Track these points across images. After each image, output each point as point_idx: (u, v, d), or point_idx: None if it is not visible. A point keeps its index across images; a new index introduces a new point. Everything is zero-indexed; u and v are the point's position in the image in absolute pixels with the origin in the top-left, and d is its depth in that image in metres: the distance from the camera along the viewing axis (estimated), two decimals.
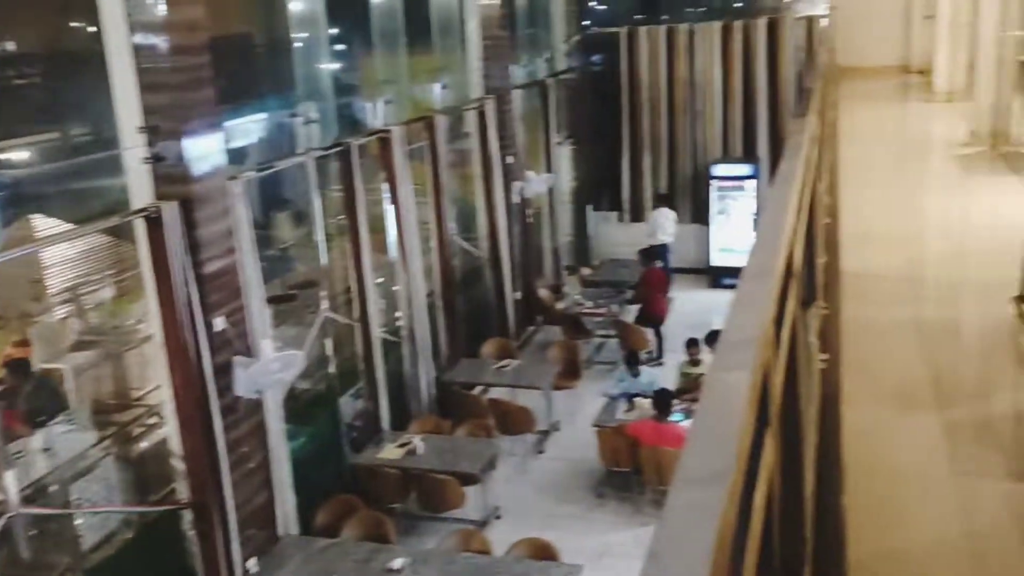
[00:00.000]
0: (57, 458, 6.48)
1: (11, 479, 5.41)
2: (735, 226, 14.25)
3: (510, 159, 12.15)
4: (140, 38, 5.94)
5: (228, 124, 8.15)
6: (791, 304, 1.85)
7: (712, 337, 9.14)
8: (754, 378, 0.95)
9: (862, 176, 7.63)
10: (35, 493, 6.16)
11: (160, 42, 5.93)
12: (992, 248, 5.54)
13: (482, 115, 11.29)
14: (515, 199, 12.29)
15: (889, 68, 14.81)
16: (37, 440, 6.48)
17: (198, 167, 6.27)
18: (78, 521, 6.34)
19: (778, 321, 1.54)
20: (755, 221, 14.03)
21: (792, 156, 2.47)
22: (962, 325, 4.60)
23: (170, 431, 6.60)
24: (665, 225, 14.14)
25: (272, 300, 8.55)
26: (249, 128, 9.62)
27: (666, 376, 9.86)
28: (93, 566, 6.31)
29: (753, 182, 14.16)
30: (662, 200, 14.64)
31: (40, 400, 6.91)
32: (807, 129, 3.04)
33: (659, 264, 12.82)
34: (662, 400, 8.50)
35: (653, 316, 11.93)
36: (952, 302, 5.00)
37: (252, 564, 6.81)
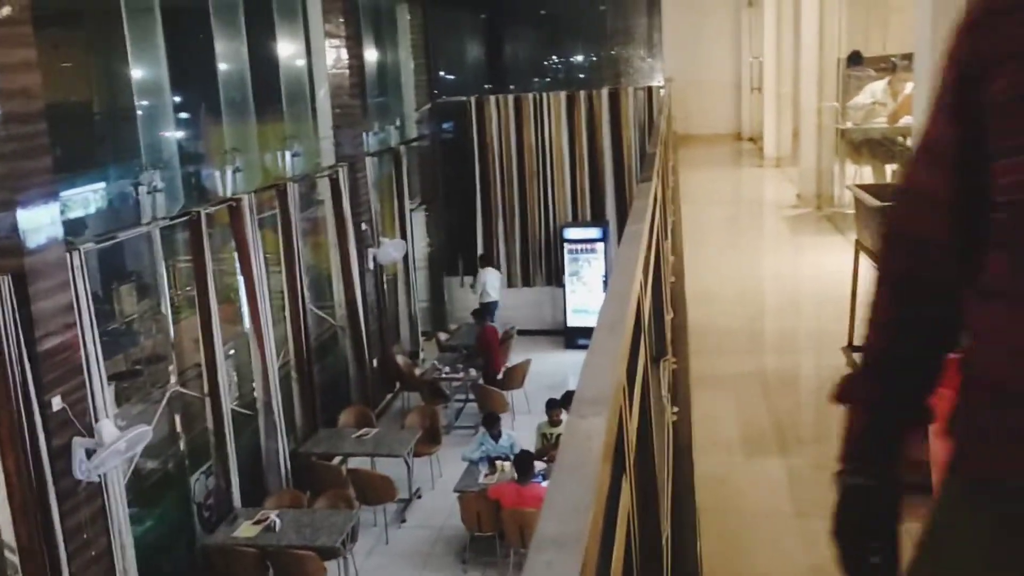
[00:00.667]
0: None
1: None
2: (588, 287, 14.64)
3: (364, 226, 12.13)
4: None
5: (67, 194, 7.82)
6: (642, 357, 1.93)
7: (568, 398, 9.30)
8: (609, 424, 1.00)
9: (703, 236, 8.04)
10: None
11: None
12: (821, 301, 5.93)
13: (335, 182, 11.25)
14: (370, 266, 12.25)
15: (724, 136, 15.72)
16: None
17: (33, 239, 5.98)
18: None
19: (630, 373, 1.61)
20: (606, 282, 14.49)
21: (637, 217, 2.60)
22: (800, 374, 4.88)
23: (1, 522, 6.14)
24: (492, 283, 14.47)
25: (115, 376, 8.16)
26: (89, 197, 9.25)
27: (526, 438, 9.93)
28: None
29: (602, 244, 14.63)
30: (485, 260, 14.97)
31: None
32: (650, 192, 3.20)
33: (489, 322, 13.02)
34: (523, 462, 8.55)
35: (494, 373, 12.10)
36: (790, 352, 5.30)
37: None
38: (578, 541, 0.78)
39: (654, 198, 3.50)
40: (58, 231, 6.30)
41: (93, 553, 6.55)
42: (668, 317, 4.12)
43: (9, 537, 6.06)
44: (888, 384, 1.32)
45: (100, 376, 6.67)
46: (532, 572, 0.76)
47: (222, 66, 9.68)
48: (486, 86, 16.69)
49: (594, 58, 17.38)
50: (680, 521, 2.63)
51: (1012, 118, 1.10)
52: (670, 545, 2.12)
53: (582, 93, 15.20)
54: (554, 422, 9.73)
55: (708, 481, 2.90)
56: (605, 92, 15.15)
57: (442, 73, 16.58)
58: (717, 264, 7.15)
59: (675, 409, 3.54)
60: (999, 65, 1.12)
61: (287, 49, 11.25)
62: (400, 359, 12.83)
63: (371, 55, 14.09)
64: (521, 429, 10.44)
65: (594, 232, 14.78)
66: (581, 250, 14.73)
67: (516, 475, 8.55)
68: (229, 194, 9.14)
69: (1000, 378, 1.10)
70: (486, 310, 13.52)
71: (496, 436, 9.61)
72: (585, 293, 14.65)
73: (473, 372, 12.04)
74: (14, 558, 6.07)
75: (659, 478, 2.01)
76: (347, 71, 11.87)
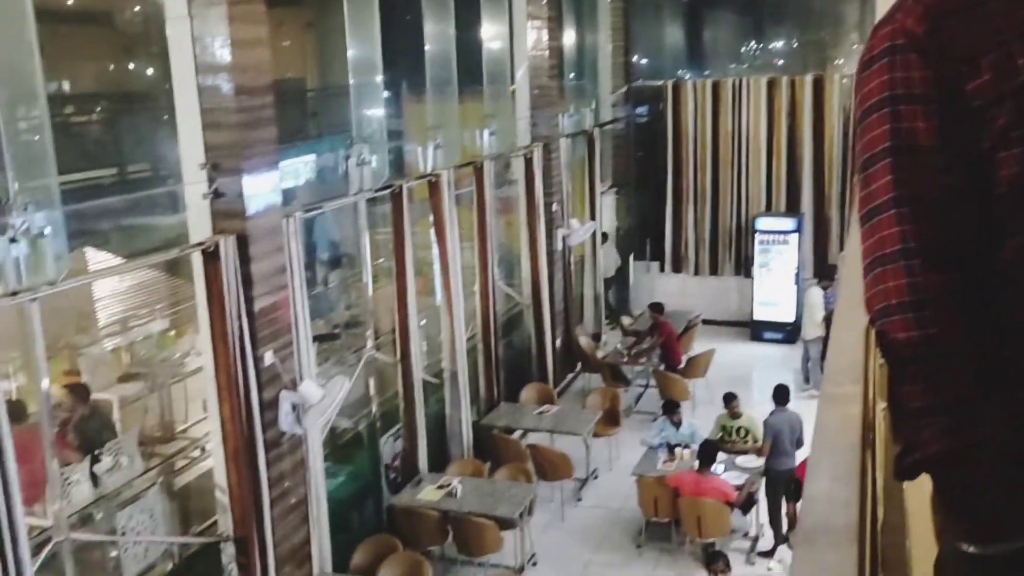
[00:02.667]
0: (104, 487, 6.56)
1: (60, 506, 5.48)
2: (777, 280, 14.18)
3: (555, 206, 12.24)
4: (206, 79, 6.12)
5: (283, 164, 8.34)
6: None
7: (779, 393, 9.05)
8: (864, 399, 0.97)
9: None
10: (82, 520, 6.23)
11: (225, 83, 6.10)
12: None
13: (529, 162, 11.41)
14: (558, 246, 12.36)
15: None
16: (85, 468, 6.57)
17: (255, 204, 6.41)
18: (121, 551, 6.38)
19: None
20: (797, 275, 13.97)
21: None
22: None
23: (214, 464, 6.67)
24: None
25: (316, 338, 8.65)
26: (301, 169, 9.82)
27: (705, 428, 9.77)
28: None
29: (796, 236, 14.12)
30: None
31: (91, 428, 7.02)
32: None
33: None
34: (707, 452, 8.42)
35: (675, 362, 11.90)
36: None
37: None
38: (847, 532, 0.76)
39: None
40: (277, 198, 6.73)
41: (293, 501, 7.00)
42: None
43: (221, 479, 6.58)
44: (983, 418, 1.04)
45: (307, 336, 7.08)
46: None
47: (429, 46, 10.00)
48: (681, 71, 16.40)
49: (795, 44, 16.72)
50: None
51: (1005, 111, 1.04)
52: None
53: (784, 79, 14.67)
54: (734, 414, 9.50)
55: None
56: (809, 78, 14.55)
57: (639, 56, 16.43)
58: None
59: None
60: (980, 59, 1.06)
61: (490, 30, 11.47)
62: (583, 340, 12.90)
63: (570, 37, 14.15)
64: (701, 419, 10.27)
65: (788, 223, 14.27)
66: (773, 241, 14.27)
67: (697, 464, 8.43)
68: (429, 170, 9.44)
69: None
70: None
71: (677, 423, 9.51)
72: (774, 286, 14.20)
73: (655, 359, 11.94)
74: (224, 498, 6.58)
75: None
76: (546, 52, 11.99)
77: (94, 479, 6.56)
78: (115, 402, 7.95)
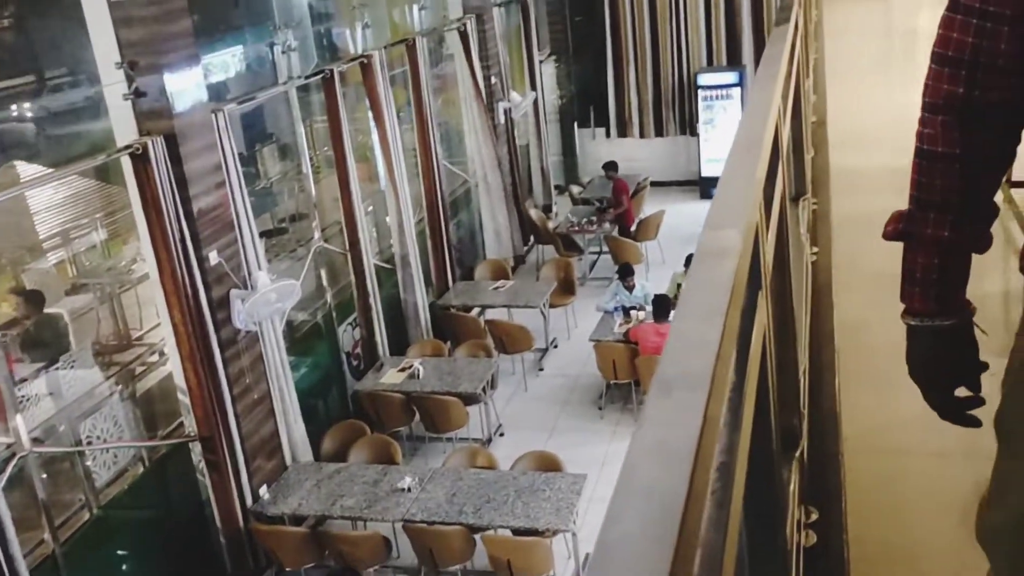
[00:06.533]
0: (63, 399, 6.57)
1: (21, 420, 5.49)
2: (723, 136, 14.17)
3: (494, 79, 12.02)
4: None
5: (207, 58, 8.05)
6: (779, 191, 1.88)
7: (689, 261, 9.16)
8: (746, 237, 0.99)
9: (849, 74, 7.59)
10: (45, 433, 6.26)
11: None
12: None
13: (463, 35, 11.12)
14: (500, 119, 12.20)
15: None
16: (42, 381, 6.56)
17: (180, 101, 6.22)
18: (90, 460, 6.44)
19: (767, 205, 1.57)
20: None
21: (771, 62, 2.47)
22: None
23: (172, 367, 6.69)
24: None
25: (264, 234, 8.56)
26: (228, 61, 9.49)
27: (661, 289, 9.92)
28: (108, 501, 6.44)
29: (739, 90, 14.04)
30: None
31: (46, 337, 6.98)
32: (787, 34, 3.02)
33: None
34: (660, 303, 8.57)
35: (628, 225, 12.02)
36: None
37: (263, 492, 6.96)
38: (710, 346, 0.78)
39: (794, 32, 3.31)
40: (202, 94, 6.53)
41: (255, 396, 7.07)
42: (808, 156, 3.97)
43: (181, 381, 6.61)
44: (955, 221, 1.26)
45: (251, 232, 7.00)
46: (661, 379, 0.78)
47: None
48: None
49: None
50: (818, 359, 2.61)
51: None
52: (807, 378, 2.11)
53: None
54: None
55: (848, 322, 2.85)
56: None
57: None
58: (864, 102, 6.77)
59: (815, 249, 3.46)
60: None
61: None
62: (534, 213, 12.91)
63: None
64: (656, 280, 10.42)
65: (730, 77, 14.16)
66: (716, 96, 14.19)
67: (654, 317, 8.60)
68: (360, 51, 9.18)
69: None
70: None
71: (630, 288, 9.65)
72: (720, 142, 14.19)
73: (607, 226, 12.01)
74: (185, 399, 6.63)
75: (797, 312, 1.98)
76: None
77: (53, 390, 6.56)
78: (66, 314, 7.87)
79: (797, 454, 1.74)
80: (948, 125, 1.22)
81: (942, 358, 1.31)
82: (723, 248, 0.93)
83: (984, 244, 1.30)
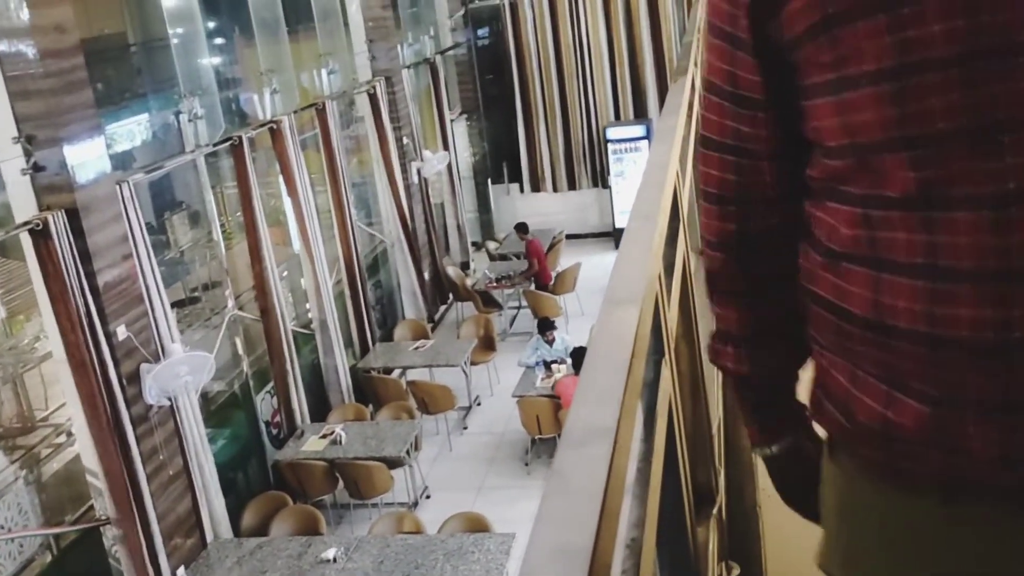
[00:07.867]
0: None
1: None
2: (634, 187, 14.43)
3: (405, 140, 12.07)
4: (4, 45, 5.69)
5: (111, 127, 7.90)
6: (681, 248, 1.92)
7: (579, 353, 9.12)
8: (644, 310, 0.99)
9: None
10: None
11: (26, 48, 5.69)
12: None
13: (372, 97, 11.17)
14: (414, 179, 12.24)
15: None
16: None
17: (82, 174, 6.08)
18: None
19: (668, 265, 1.60)
20: None
21: (670, 113, 2.54)
22: None
23: (82, 448, 6.42)
24: None
25: (176, 304, 8.36)
26: (133, 130, 9.32)
27: (581, 341, 9.99)
28: None
29: (646, 142, 14.39)
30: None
31: None
32: (685, 86, 3.12)
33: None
34: (580, 357, 8.62)
35: (545, 282, 12.10)
36: None
37: (181, 573, 6.69)
38: (608, 428, 0.78)
39: (691, 89, 3.41)
40: (106, 165, 6.39)
41: (171, 473, 6.83)
42: None
43: (91, 462, 6.34)
44: (753, 355, 1.20)
45: (163, 303, 6.82)
46: (562, 460, 0.77)
47: None
48: None
49: None
50: (733, 414, 2.64)
51: (823, 48, 0.93)
52: (723, 432, 2.13)
53: None
54: None
55: None
56: None
57: None
58: None
59: None
60: None
61: None
62: (451, 270, 12.91)
63: None
64: (576, 332, 10.49)
65: (637, 130, 14.52)
66: (626, 149, 14.51)
67: (574, 371, 8.64)
68: (269, 117, 9.13)
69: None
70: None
71: (550, 341, 9.69)
72: (632, 193, 14.45)
73: (524, 280, 12.08)
74: (95, 481, 6.36)
75: (706, 368, 2.01)
76: None
77: None
78: None
79: (715, 511, 1.75)
80: (726, 262, 1.18)
81: (786, 478, 1.28)
82: (621, 325, 0.94)
83: (791, 373, 1.21)
